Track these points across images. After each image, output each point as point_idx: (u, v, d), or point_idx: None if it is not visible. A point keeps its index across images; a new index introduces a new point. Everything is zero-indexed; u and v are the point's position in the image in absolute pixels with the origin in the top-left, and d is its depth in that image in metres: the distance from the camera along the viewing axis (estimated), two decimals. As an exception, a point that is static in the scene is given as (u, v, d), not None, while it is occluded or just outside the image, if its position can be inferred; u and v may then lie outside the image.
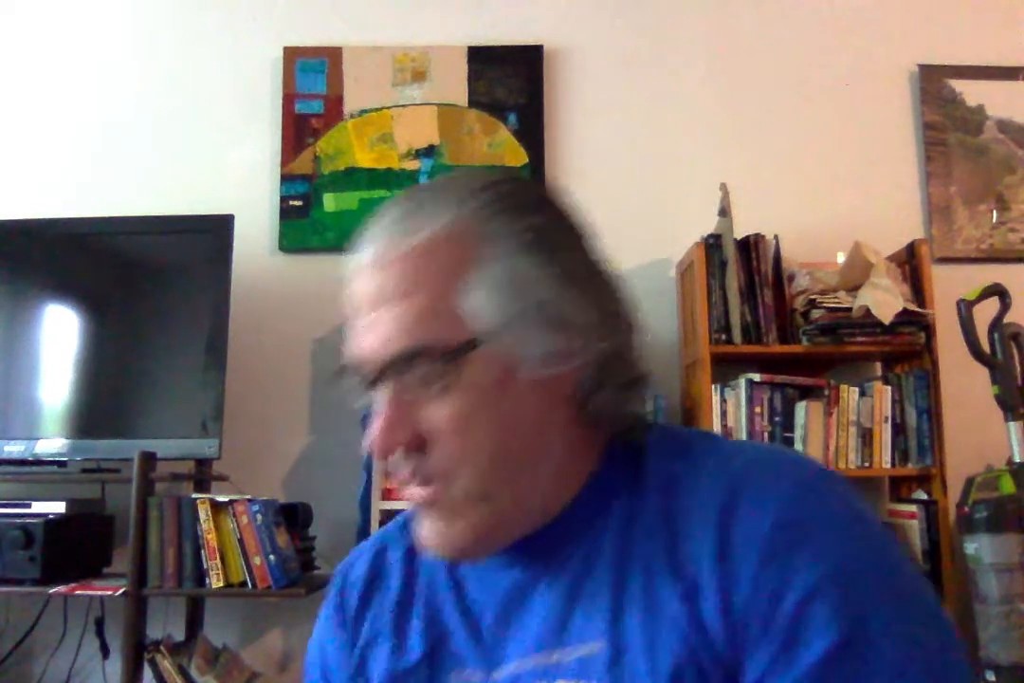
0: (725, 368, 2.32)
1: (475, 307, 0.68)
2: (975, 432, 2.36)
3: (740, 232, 2.33)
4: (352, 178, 2.61)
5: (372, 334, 0.69)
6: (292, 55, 2.68)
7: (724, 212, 2.34)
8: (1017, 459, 2.16)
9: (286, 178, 2.61)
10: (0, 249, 2.41)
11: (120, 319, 2.35)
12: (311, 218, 2.59)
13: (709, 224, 2.36)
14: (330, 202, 2.60)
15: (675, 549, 0.66)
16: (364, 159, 2.62)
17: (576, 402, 0.71)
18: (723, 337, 2.27)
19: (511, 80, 2.66)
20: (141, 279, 2.37)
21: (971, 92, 2.69)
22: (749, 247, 2.33)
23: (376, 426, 0.69)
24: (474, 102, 2.66)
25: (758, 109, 2.69)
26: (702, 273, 2.31)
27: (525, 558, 0.74)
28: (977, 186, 2.64)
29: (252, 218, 2.55)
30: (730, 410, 2.25)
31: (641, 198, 2.62)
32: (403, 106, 2.66)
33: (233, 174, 2.63)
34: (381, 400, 0.70)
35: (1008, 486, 2.12)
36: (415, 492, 0.71)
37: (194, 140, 2.66)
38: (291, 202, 2.60)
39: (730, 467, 0.67)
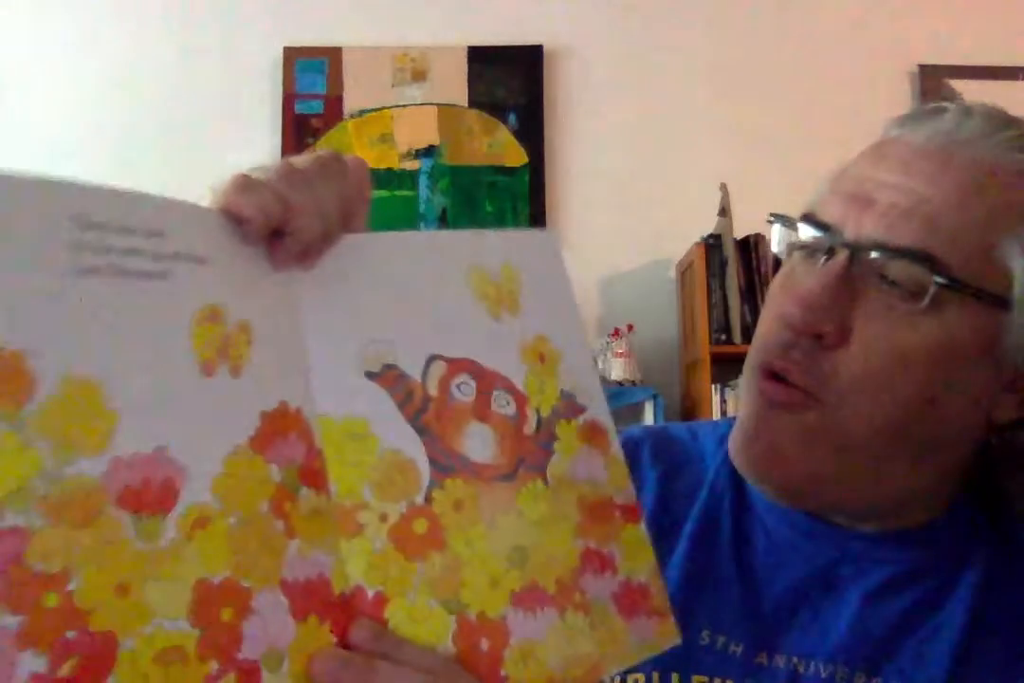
0: (725, 368, 2.31)
1: (1012, 267, 0.58)
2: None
3: (740, 232, 2.34)
4: (352, 178, 2.62)
5: (890, 210, 0.59)
6: (292, 55, 2.68)
7: (724, 212, 2.34)
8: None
9: (286, 178, 2.61)
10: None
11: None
12: (311, 218, 2.59)
13: (709, 224, 2.36)
14: (330, 202, 2.60)
15: None
16: (364, 159, 2.62)
17: (992, 424, 0.62)
18: (723, 337, 2.28)
19: (511, 80, 2.67)
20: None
21: (971, 92, 2.69)
22: (749, 247, 2.33)
23: (806, 294, 0.58)
24: (474, 102, 2.66)
25: (758, 109, 2.69)
26: (702, 273, 2.31)
27: (861, 543, 0.64)
28: (977, 186, 2.64)
29: (252, 218, 2.54)
30: (730, 410, 2.25)
31: (641, 198, 2.62)
32: (403, 106, 2.66)
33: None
34: (827, 273, 0.58)
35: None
36: (776, 389, 0.60)
37: (194, 141, 2.66)
38: (291, 202, 2.60)
39: None
